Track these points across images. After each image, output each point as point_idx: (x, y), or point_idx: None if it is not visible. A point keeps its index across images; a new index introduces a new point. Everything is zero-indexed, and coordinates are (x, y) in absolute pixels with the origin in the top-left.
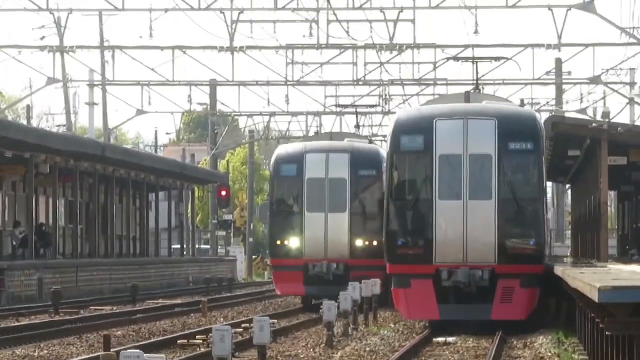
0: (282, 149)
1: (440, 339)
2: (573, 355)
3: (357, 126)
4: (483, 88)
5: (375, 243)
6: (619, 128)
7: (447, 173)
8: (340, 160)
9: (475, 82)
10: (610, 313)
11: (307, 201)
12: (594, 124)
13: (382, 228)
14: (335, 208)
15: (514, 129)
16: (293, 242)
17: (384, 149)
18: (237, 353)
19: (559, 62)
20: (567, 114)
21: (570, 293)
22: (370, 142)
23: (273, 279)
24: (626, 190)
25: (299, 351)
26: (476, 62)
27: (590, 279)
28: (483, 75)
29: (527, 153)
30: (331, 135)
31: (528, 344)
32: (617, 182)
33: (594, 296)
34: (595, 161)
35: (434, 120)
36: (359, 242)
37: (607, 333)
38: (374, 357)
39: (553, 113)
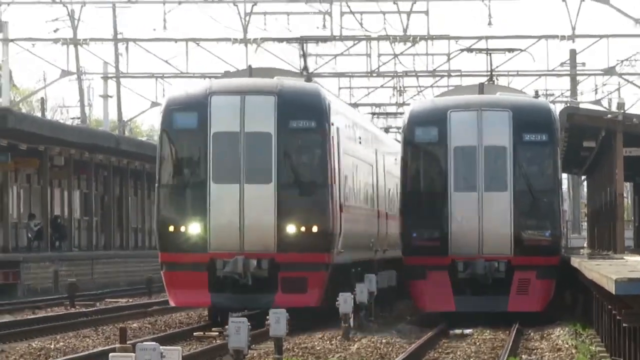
0: (177, 91)
1: (457, 331)
2: (590, 347)
3: (306, 69)
4: (497, 79)
5: (315, 229)
6: (634, 119)
7: (462, 165)
8: (262, 106)
9: (489, 73)
10: (627, 305)
11: (213, 167)
12: (609, 115)
13: (324, 204)
14: (255, 177)
15: (528, 120)
16: (193, 229)
17: (329, 92)
18: (253, 345)
19: (573, 53)
20: (581, 105)
21: (587, 285)
22: (310, 80)
23: (165, 284)
24: None
25: (315, 343)
26: (490, 53)
27: (606, 271)
28: (497, 67)
29: (542, 145)
30: (251, 71)
31: (545, 335)
32: (633, 173)
33: (611, 288)
34: (611, 153)
35: (448, 112)
36: (291, 228)
37: (624, 325)
38: (390, 349)
39: (568, 104)
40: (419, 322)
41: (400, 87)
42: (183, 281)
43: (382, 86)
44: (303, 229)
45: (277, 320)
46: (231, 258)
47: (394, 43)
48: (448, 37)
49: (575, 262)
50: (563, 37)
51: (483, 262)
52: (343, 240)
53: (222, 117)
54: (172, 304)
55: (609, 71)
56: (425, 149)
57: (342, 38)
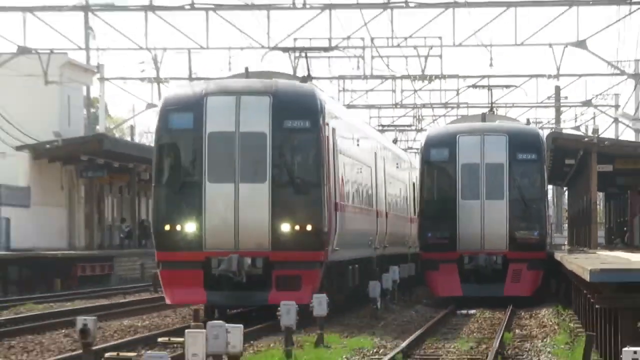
0: (173, 92)
1: (463, 311)
2: (570, 324)
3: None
4: (496, 110)
5: (309, 228)
6: (606, 142)
7: (468, 178)
8: (257, 106)
9: (490, 105)
10: (598, 290)
11: (208, 166)
12: (585, 139)
13: (318, 203)
14: (250, 177)
15: (521, 143)
16: (189, 228)
17: (325, 91)
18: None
19: (557, 89)
20: (564, 131)
21: (567, 274)
22: (305, 81)
23: (161, 282)
24: (612, 192)
25: (350, 321)
26: (491, 89)
27: (583, 263)
28: (496, 100)
29: (532, 162)
30: (248, 74)
31: (533, 315)
32: (604, 185)
33: (586, 277)
34: (587, 168)
35: (457, 136)
36: (285, 227)
37: (596, 306)
38: (410, 326)
39: (553, 130)
40: (433, 305)
41: (419, 116)
42: (179, 279)
43: (404, 115)
44: (297, 227)
45: (320, 303)
46: (226, 256)
47: (414, 81)
48: (457, 76)
49: (558, 256)
50: (550, 76)
51: (484, 256)
52: (339, 239)
53: (217, 117)
54: (168, 302)
55: (587, 103)
56: (439, 166)
57: (372, 77)
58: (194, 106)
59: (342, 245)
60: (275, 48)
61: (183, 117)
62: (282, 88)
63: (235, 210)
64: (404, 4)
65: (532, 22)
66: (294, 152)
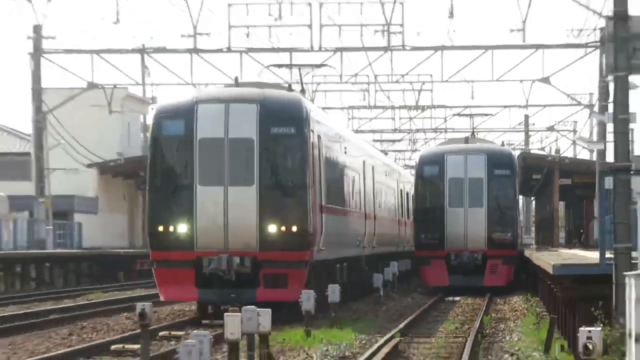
0: (166, 101)
1: (450, 299)
2: (536, 309)
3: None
4: (477, 134)
5: (295, 229)
6: (566, 160)
7: (454, 190)
8: (245, 113)
9: (472, 130)
10: (560, 281)
11: (199, 170)
12: (549, 158)
13: (303, 205)
14: (239, 180)
15: (497, 161)
16: (181, 228)
17: (309, 99)
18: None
19: (526, 117)
20: (532, 151)
21: (535, 268)
22: (291, 89)
23: (156, 280)
24: (571, 201)
25: (357, 307)
26: (472, 117)
27: (547, 259)
28: (477, 126)
29: (506, 177)
30: (237, 84)
31: (507, 301)
32: (565, 195)
33: (550, 270)
34: (550, 182)
35: (445, 156)
36: (272, 228)
37: (558, 294)
38: (407, 310)
39: (523, 151)
40: (426, 293)
41: (413, 139)
42: (172, 277)
43: (401, 139)
44: (283, 228)
45: (334, 291)
46: (216, 256)
47: (410, 110)
48: (445, 106)
49: (527, 253)
50: (520, 107)
51: (467, 254)
52: (325, 239)
53: (207, 124)
54: (162, 298)
55: (550, 129)
56: (430, 180)
57: (376, 107)
58: (185, 114)
59: (328, 245)
60: (272, 65)
61: (175, 124)
62: (269, 96)
63: (224, 212)
64: (401, 47)
65: (506, 62)
66: (280, 157)
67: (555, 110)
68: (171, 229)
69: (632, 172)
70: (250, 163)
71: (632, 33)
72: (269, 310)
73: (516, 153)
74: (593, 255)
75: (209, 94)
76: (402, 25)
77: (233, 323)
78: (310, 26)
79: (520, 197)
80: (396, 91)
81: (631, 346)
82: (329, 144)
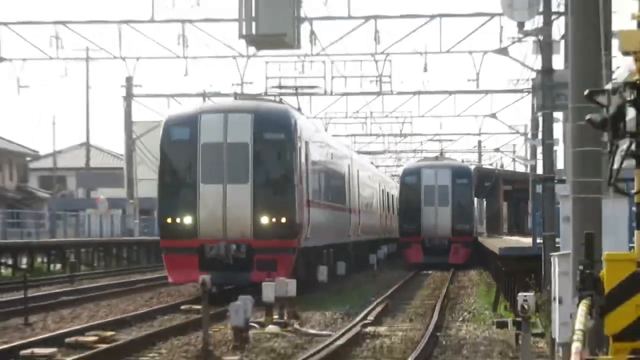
0: (174, 111)
1: (424, 272)
2: (487, 280)
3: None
4: (444, 154)
5: (284, 220)
6: (508, 173)
7: (429, 194)
8: (241, 122)
9: (440, 151)
10: (503, 260)
11: (201, 170)
12: (496, 171)
13: (291, 200)
14: (235, 179)
15: (459, 173)
16: (186, 220)
17: (298, 111)
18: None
19: (479, 142)
20: (484, 166)
21: (486, 250)
22: (281, 101)
23: (165, 264)
24: (512, 202)
25: (357, 278)
26: (441, 142)
27: (494, 244)
28: (444, 148)
29: (465, 185)
30: (235, 96)
31: (466, 274)
32: (507, 198)
33: (497, 252)
34: (497, 188)
35: (421, 169)
36: (264, 220)
37: (502, 269)
38: (394, 281)
39: (477, 166)
40: (407, 269)
41: (398, 157)
42: (178, 262)
43: (390, 157)
44: (274, 220)
45: (341, 266)
46: (216, 244)
47: (395, 137)
48: (421, 134)
49: (480, 239)
50: (475, 134)
51: (437, 240)
52: (311, 229)
53: (209, 131)
54: (170, 280)
55: (497, 150)
56: (410, 186)
57: (371, 135)
58: (190, 122)
59: (314, 234)
60: (273, 87)
61: (181, 131)
62: (262, 107)
63: (223, 206)
64: (390, 92)
65: (465, 102)
66: (271, 159)
67: (500, 137)
68: (178, 220)
69: (555, 181)
70: (245, 164)
71: (555, 82)
72: (293, 281)
73: (472, 167)
74: (528, 241)
75: (211, 105)
76: (390, 76)
77: (268, 290)
78: (324, 77)
79: (475, 198)
80: (386, 123)
81: (555, 306)
82: (315, 149)
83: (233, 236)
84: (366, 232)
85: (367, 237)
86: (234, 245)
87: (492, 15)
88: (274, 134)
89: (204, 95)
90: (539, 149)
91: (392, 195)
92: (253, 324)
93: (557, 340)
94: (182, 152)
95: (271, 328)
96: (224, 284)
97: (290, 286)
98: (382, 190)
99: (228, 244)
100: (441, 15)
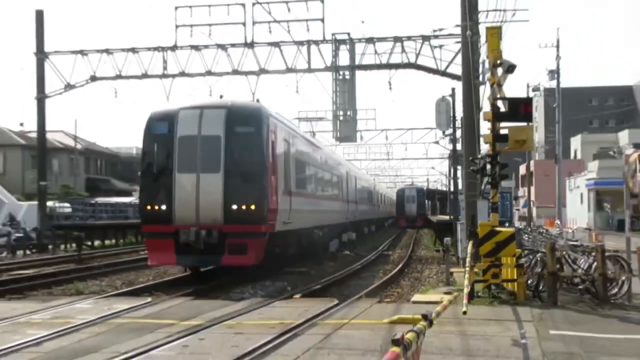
0: (158, 108)
1: (407, 229)
2: (431, 233)
3: None
4: (413, 182)
5: (253, 207)
6: (438, 190)
7: (405, 198)
8: (215, 117)
9: (411, 180)
10: (438, 225)
11: (177, 161)
12: (435, 189)
13: (260, 188)
14: (208, 168)
15: (422, 192)
16: (163, 207)
17: (269, 107)
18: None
19: (428, 180)
20: (431, 187)
21: (431, 221)
22: (258, 101)
23: (146, 248)
24: (441, 201)
25: (344, 254)
26: (412, 177)
27: (434, 218)
28: (412, 175)
29: (422, 194)
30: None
31: (423, 231)
32: (439, 200)
33: (435, 221)
34: (434, 196)
35: (404, 190)
36: (234, 206)
37: (437, 228)
38: (393, 234)
39: (427, 187)
40: (401, 230)
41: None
42: (157, 246)
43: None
44: (243, 207)
45: (349, 236)
46: (190, 229)
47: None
48: (403, 159)
49: (429, 217)
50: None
51: (411, 215)
52: (292, 214)
53: (185, 125)
54: (149, 263)
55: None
56: (399, 196)
57: (367, 160)
58: (170, 117)
59: (296, 219)
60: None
61: (162, 125)
62: (236, 104)
63: (196, 194)
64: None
65: (417, 145)
66: (242, 150)
67: (433, 176)
68: (156, 207)
69: (459, 193)
70: (217, 155)
71: (458, 154)
72: (353, 233)
73: (424, 187)
74: (447, 217)
75: (190, 102)
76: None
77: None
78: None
79: (428, 201)
80: (378, 146)
81: (458, 243)
82: (295, 147)
83: (206, 222)
84: (363, 214)
85: (363, 217)
86: (204, 230)
87: (431, 129)
88: (245, 128)
89: None
90: (452, 181)
91: (374, 187)
92: (339, 251)
93: (460, 256)
94: (161, 144)
95: (346, 252)
96: (197, 267)
97: (351, 235)
98: (374, 187)
99: (200, 229)
100: (401, 129)
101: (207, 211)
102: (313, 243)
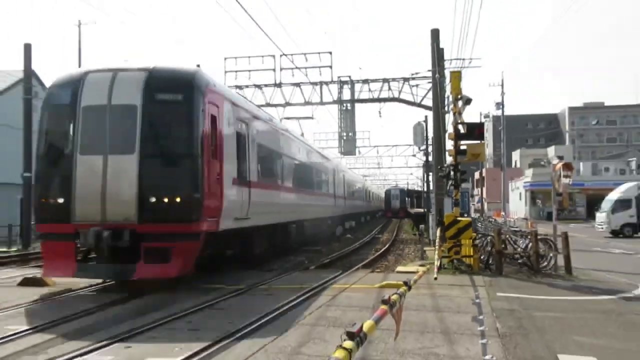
0: (64, 73)
1: (393, 219)
2: (410, 222)
3: None
4: (397, 184)
5: (178, 200)
6: (416, 190)
7: (391, 196)
8: (131, 82)
9: (396, 182)
10: (415, 215)
11: (80, 139)
12: (413, 189)
13: (191, 176)
14: (119, 148)
15: (401, 190)
16: (60, 200)
17: (223, 85)
18: (343, 236)
19: (407, 183)
20: (410, 188)
21: (410, 213)
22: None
23: (41, 255)
24: (417, 198)
25: (335, 245)
26: (396, 181)
27: (412, 211)
28: (396, 178)
29: (403, 192)
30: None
31: (404, 220)
32: (415, 197)
33: (413, 213)
34: (413, 195)
35: (390, 190)
36: (153, 199)
37: (414, 217)
38: (381, 222)
39: (408, 188)
40: (387, 219)
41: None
42: (53, 251)
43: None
44: (166, 200)
45: (340, 230)
46: (94, 229)
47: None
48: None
49: (409, 209)
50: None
51: (396, 208)
52: (252, 208)
53: (92, 92)
54: (42, 275)
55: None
56: (388, 194)
57: (361, 168)
58: (74, 83)
59: (257, 214)
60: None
61: (62, 93)
62: (162, 67)
63: (103, 182)
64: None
65: (400, 157)
66: (166, 125)
67: (413, 180)
68: (52, 200)
69: (431, 192)
70: (132, 131)
71: (430, 164)
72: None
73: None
74: (422, 210)
75: (102, 65)
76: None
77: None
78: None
79: (408, 198)
80: (374, 157)
81: (430, 229)
82: (258, 132)
83: (114, 219)
84: (351, 208)
85: (351, 211)
86: (108, 231)
87: (410, 145)
88: (170, 95)
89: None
90: (425, 183)
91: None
92: (342, 234)
93: (431, 238)
94: (60, 118)
95: (348, 236)
96: (102, 279)
97: (352, 223)
98: (364, 184)
99: (104, 229)
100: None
101: (117, 205)
102: (304, 234)
